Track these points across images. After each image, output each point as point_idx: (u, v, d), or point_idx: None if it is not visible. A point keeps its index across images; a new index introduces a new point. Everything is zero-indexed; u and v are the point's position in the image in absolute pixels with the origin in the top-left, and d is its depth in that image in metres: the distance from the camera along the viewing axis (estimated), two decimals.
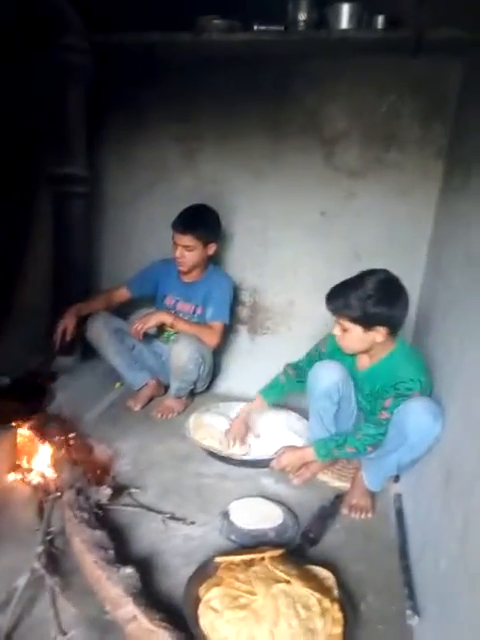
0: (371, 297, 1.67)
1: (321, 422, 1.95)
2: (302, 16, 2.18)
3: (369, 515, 1.81)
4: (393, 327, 1.74)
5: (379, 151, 2.47)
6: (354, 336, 1.75)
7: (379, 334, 1.72)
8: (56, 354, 2.41)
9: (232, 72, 2.51)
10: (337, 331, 1.80)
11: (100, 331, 2.41)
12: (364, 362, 1.89)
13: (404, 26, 2.17)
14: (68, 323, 2.34)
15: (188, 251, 2.36)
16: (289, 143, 2.58)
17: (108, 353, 2.46)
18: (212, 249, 2.43)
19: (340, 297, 1.73)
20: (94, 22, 2.23)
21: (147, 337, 2.47)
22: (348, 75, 2.41)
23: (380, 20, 2.18)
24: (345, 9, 2.16)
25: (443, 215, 2.29)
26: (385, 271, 1.75)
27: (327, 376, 1.87)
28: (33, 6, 2.02)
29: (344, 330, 1.77)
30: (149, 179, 2.80)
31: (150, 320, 2.32)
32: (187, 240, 2.33)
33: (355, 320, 1.72)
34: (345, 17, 2.17)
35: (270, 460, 2.05)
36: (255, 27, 2.24)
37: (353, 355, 1.89)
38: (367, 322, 1.71)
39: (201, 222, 2.35)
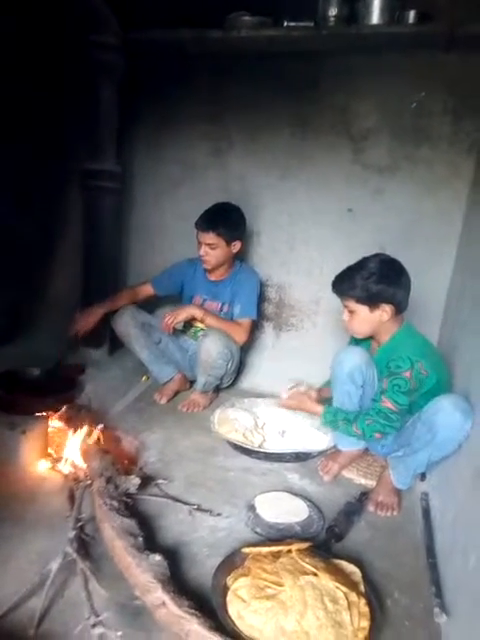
0: (373, 275, 1.76)
1: (343, 407, 1.94)
2: (333, 11, 2.18)
3: (395, 513, 1.79)
4: (397, 305, 1.80)
5: (409, 147, 2.45)
6: (361, 317, 1.83)
7: (385, 312, 1.80)
8: (80, 343, 2.45)
9: (261, 69, 2.52)
10: (345, 316, 1.89)
11: (127, 324, 2.44)
12: (373, 347, 1.96)
13: (436, 21, 2.15)
14: (88, 323, 2.36)
15: (211, 249, 2.36)
16: (317, 140, 2.57)
17: (135, 346, 2.49)
18: (237, 247, 2.43)
19: (344, 280, 1.84)
20: (125, 20, 2.26)
21: (175, 331, 2.49)
22: (379, 71, 2.39)
23: (412, 15, 2.16)
24: (376, 4, 2.15)
25: (474, 211, 2.26)
26: (385, 254, 1.85)
27: (350, 359, 1.87)
28: (69, 4, 2.05)
29: (351, 312, 1.85)
30: (177, 176, 2.83)
31: (180, 314, 2.34)
32: (210, 238, 2.33)
33: (360, 300, 1.80)
34: (376, 12, 2.15)
35: (294, 454, 2.06)
36: (285, 23, 2.24)
37: (367, 342, 1.95)
38: (371, 300, 1.79)
39: (224, 220, 2.35)
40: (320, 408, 1.96)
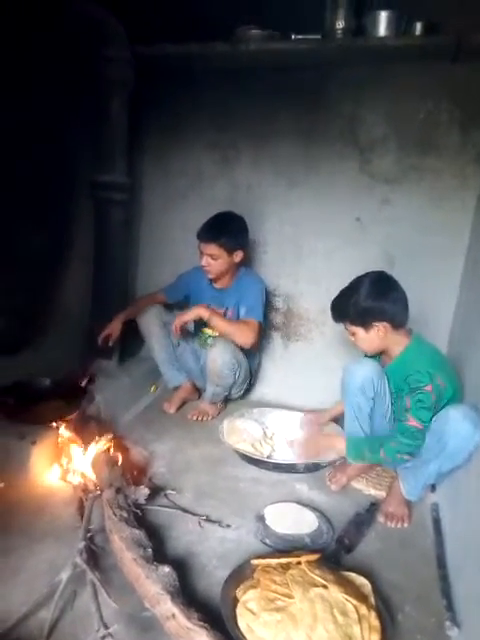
0: (359, 296, 1.77)
1: (356, 420, 1.94)
2: (340, 24, 2.19)
3: (405, 524, 1.78)
4: (391, 320, 1.79)
5: (416, 157, 2.45)
6: (361, 338, 1.85)
7: (380, 330, 1.79)
8: (95, 352, 2.48)
9: (268, 81, 2.55)
10: (350, 338, 1.90)
11: (150, 322, 2.50)
12: (384, 360, 1.95)
13: (443, 32, 2.16)
14: (114, 328, 2.43)
15: (213, 260, 2.37)
16: (324, 150, 2.58)
17: (154, 345, 2.54)
18: (239, 256, 2.42)
19: (336, 305, 1.87)
20: (134, 34, 2.30)
21: (185, 334, 2.50)
22: (386, 82, 2.41)
23: (418, 27, 2.16)
24: (383, 16, 2.16)
25: None
26: (377, 272, 1.85)
27: (361, 371, 1.87)
28: (78, 18, 2.09)
29: (352, 334, 1.87)
30: (184, 186, 2.85)
31: (187, 315, 2.33)
32: (211, 249, 2.34)
33: (353, 322, 1.83)
34: (383, 24, 2.17)
35: (303, 465, 2.05)
36: (293, 36, 2.26)
37: (377, 357, 1.95)
38: (363, 320, 1.80)
39: (225, 231, 2.35)
40: (341, 443, 1.93)
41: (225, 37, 2.32)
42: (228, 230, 2.37)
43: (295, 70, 2.47)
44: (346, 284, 1.87)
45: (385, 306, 1.77)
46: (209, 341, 2.51)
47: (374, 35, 2.18)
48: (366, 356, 1.98)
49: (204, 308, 2.39)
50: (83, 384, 2.25)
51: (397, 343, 1.85)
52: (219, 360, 2.32)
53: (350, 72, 2.43)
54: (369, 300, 1.76)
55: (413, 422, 1.72)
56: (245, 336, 2.37)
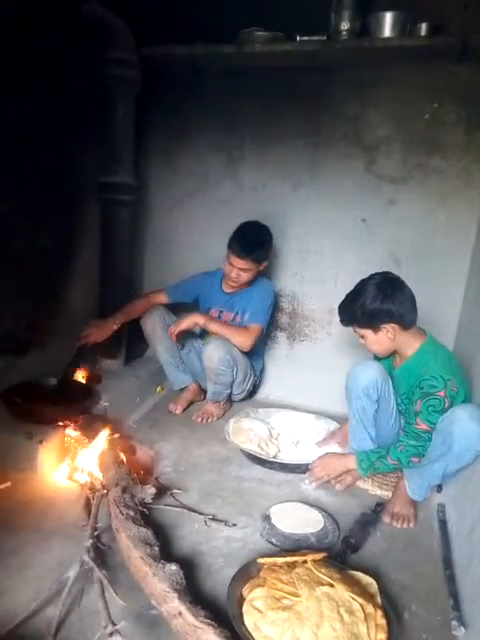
0: (365, 299, 1.75)
1: (361, 423, 1.95)
2: (345, 25, 2.21)
3: (411, 524, 1.78)
4: (400, 321, 1.77)
5: (421, 158, 2.46)
6: (371, 340, 1.84)
7: (389, 332, 1.78)
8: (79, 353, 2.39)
9: (274, 82, 2.56)
10: (360, 341, 1.89)
11: (155, 325, 2.49)
12: (396, 361, 1.95)
13: (448, 33, 2.17)
14: (99, 337, 2.37)
15: (244, 272, 2.38)
16: (329, 151, 2.59)
17: (158, 347, 2.53)
18: (264, 265, 2.45)
19: (343, 310, 1.85)
20: (141, 35, 2.31)
21: (184, 339, 2.51)
22: (391, 82, 2.42)
23: (424, 27, 2.18)
24: (388, 17, 2.17)
25: None
26: (382, 273, 1.82)
27: (365, 374, 1.88)
28: (85, 20, 2.10)
29: (362, 337, 1.86)
30: (190, 188, 2.86)
31: (182, 322, 2.34)
32: (245, 264, 2.34)
33: (362, 325, 1.81)
34: (388, 25, 2.18)
35: (308, 465, 2.05)
36: (298, 38, 2.27)
37: (388, 357, 1.95)
38: (371, 323, 1.79)
39: (259, 245, 2.36)
40: (351, 459, 1.91)
41: (230, 39, 2.34)
42: (262, 244, 2.38)
43: (300, 71, 2.48)
44: (352, 284, 1.86)
45: (392, 307, 1.75)
46: None
47: (379, 36, 2.19)
48: (376, 358, 1.98)
49: (200, 315, 2.40)
50: (89, 384, 2.26)
51: (409, 343, 1.84)
52: (215, 357, 2.32)
53: (355, 73, 2.44)
54: (376, 303, 1.74)
55: (422, 425, 1.72)
56: (243, 339, 2.39)
